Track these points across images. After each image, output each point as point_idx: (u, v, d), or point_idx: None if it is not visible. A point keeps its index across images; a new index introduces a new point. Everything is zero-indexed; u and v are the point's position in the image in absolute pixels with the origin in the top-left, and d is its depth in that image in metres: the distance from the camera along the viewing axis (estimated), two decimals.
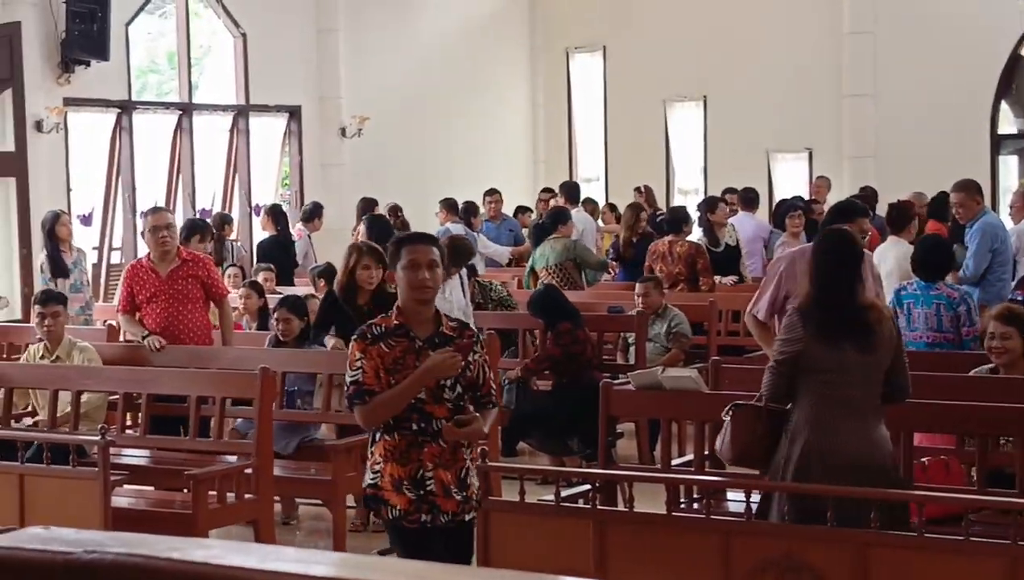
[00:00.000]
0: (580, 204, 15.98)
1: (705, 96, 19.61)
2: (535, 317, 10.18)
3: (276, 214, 14.17)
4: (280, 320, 8.89)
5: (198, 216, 15.46)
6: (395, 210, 13.90)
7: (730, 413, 5.72)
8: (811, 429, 5.49)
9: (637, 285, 10.86)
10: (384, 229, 10.84)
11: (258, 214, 17.17)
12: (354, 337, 5.18)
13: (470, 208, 14.99)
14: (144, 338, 8.76)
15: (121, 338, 10.48)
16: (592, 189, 20.77)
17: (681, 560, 5.58)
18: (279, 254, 13.45)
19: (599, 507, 5.87)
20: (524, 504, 5.95)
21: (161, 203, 15.91)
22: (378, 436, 5.15)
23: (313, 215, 14.82)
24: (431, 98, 19.04)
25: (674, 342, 10.53)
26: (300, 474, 8.14)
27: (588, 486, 6.11)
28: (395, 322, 5.14)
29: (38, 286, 11.36)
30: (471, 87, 19.77)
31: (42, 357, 8.48)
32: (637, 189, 17.47)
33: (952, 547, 5.29)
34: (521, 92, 21.04)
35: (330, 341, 8.58)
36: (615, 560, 5.66)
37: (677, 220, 12.64)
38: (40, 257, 11.59)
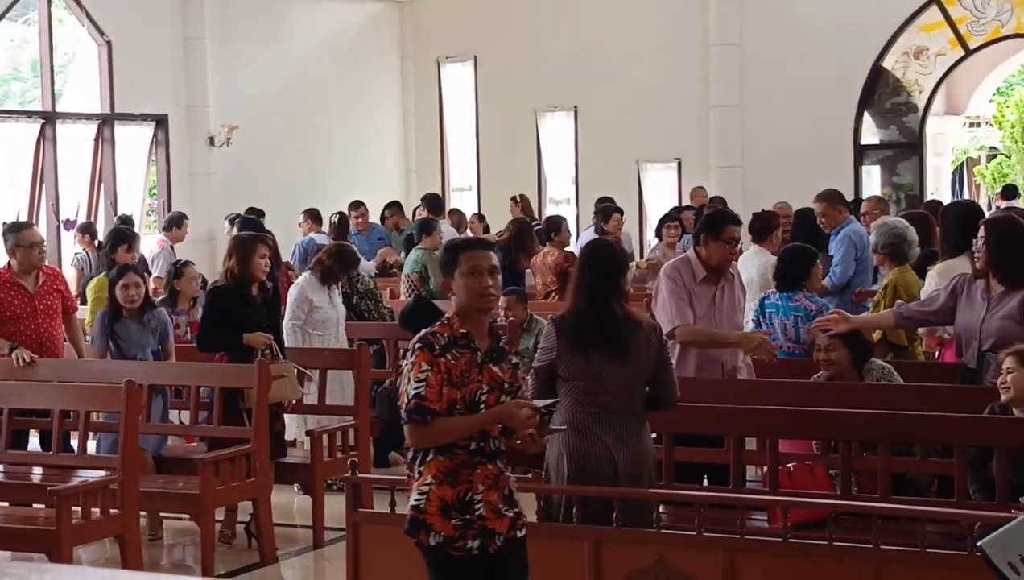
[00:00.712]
0: (445, 215, 16.03)
1: (576, 106, 19.72)
2: (405, 329, 10.15)
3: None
4: (130, 285, 8.69)
5: (62, 224, 15.18)
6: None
7: None
8: (568, 433, 5.70)
9: (501, 298, 10.90)
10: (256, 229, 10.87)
11: (127, 224, 16.90)
12: (418, 345, 4.74)
13: (344, 221, 14.82)
14: (11, 351, 8.58)
15: None
16: (464, 198, 20.78)
17: (553, 568, 5.59)
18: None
19: None
20: (395, 516, 5.91)
21: (24, 214, 15.60)
22: (430, 455, 4.74)
23: (174, 224, 14.64)
24: (301, 107, 18.91)
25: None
26: (167, 488, 8.01)
27: None
28: (460, 331, 4.78)
29: None
30: (342, 96, 19.67)
31: None
32: (513, 199, 17.50)
33: (817, 551, 5.38)
34: (392, 101, 20.98)
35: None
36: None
37: (548, 229, 12.75)
38: None
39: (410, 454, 4.83)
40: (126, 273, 8.85)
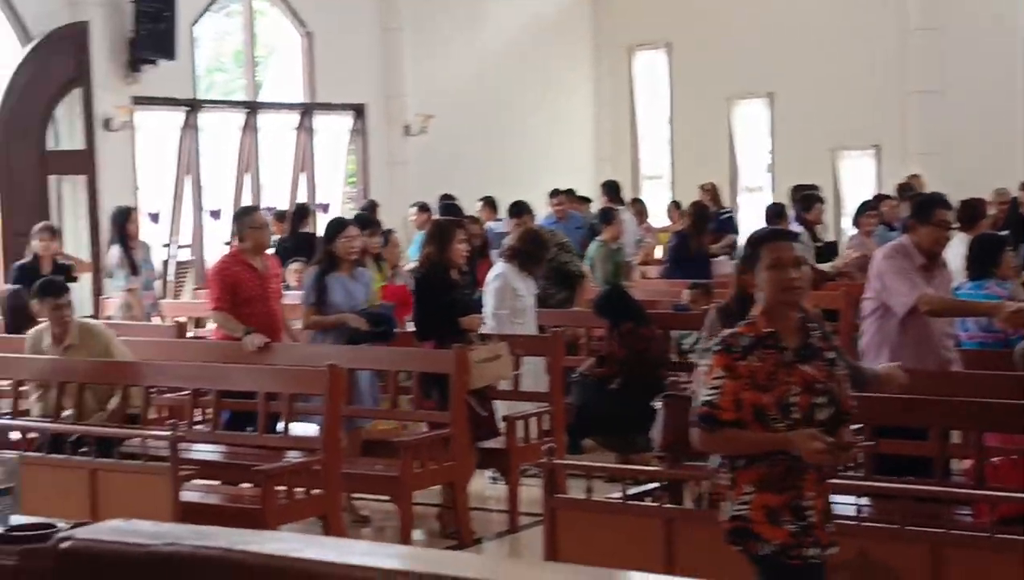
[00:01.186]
0: (626, 204, 15.95)
1: (771, 93, 19.50)
2: (599, 317, 10.18)
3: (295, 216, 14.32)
4: (352, 237, 8.84)
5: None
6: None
7: (662, 403, 6.04)
8: None
9: (684, 292, 10.95)
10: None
11: (325, 212, 17.28)
12: (716, 348, 4.53)
13: (520, 207, 14.78)
14: (245, 335, 8.66)
15: (189, 334, 10.61)
16: (656, 187, 20.73)
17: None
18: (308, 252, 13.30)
19: (667, 506, 5.85)
20: (591, 502, 5.94)
21: (228, 202, 16.08)
22: (743, 463, 4.51)
23: (369, 212, 14.88)
24: (495, 96, 19.07)
25: None
26: (367, 470, 8.17)
27: (656, 484, 6.10)
28: (764, 330, 4.50)
29: (108, 282, 11.43)
30: (535, 85, 19.78)
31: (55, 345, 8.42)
32: (702, 187, 17.37)
33: None
34: (585, 90, 21.01)
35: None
36: (683, 558, 5.63)
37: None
38: (111, 253, 11.60)
39: (717, 460, 4.64)
40: (346, 226, 9.04)
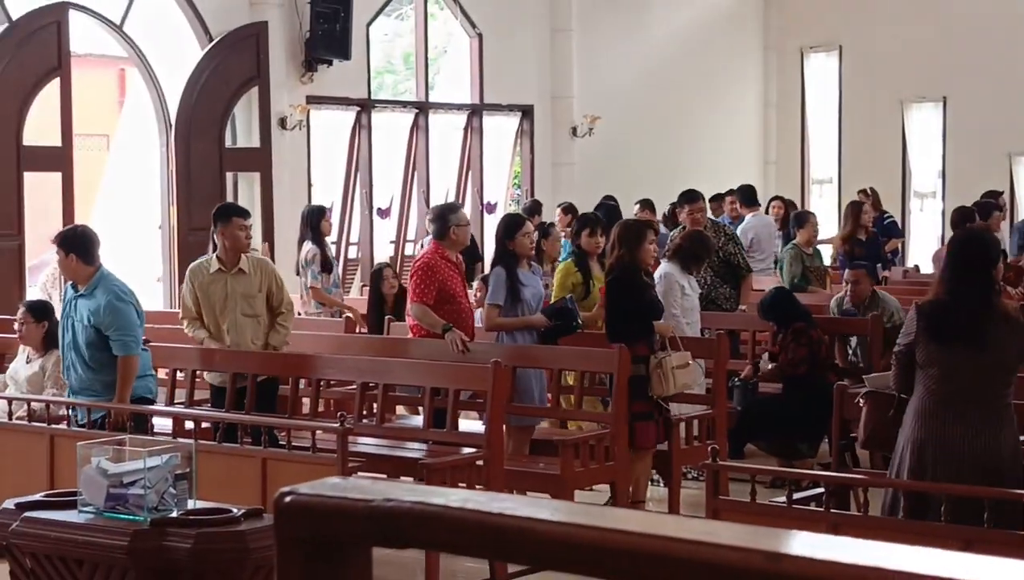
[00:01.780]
0: (760, 207, 15.61)
1: (945, 97, 19.10)
2: (765, 319, 10.10)
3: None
4: (528, 233, 8.88)
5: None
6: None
7: (864, 399, 6.11)
8: (916, 421, 5.65)
9: (847, 271, 10.72)
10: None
11: (490, 212, 17.45)
12: None
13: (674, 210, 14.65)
14: (444, 331, 8.55)
15: (358, 329, 10.80)
16: (824, 191, 20.48)
17: None
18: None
19: (832, 511, 5.79)
20: (755, 504, 5.92)
21: (396, 201, 16.31)
22: None
23: (534, 213, 14.97)
24: (662, 98, 19.02)
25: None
26: (529, 467, 8.24)
27: (821, 489, 6.04)
28: None
29: (293, 280, 11.57)
30: (703, 87, 19.68)
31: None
32: (862, 191, 17.02)
33: None
34: (753, 92, 20.85)
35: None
36: None
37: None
38: (306, 249, 11.69)
39: None
40: (524, 223, 9.07)
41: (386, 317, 10.50)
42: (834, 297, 10.86)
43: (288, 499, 1.39)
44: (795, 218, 13.28)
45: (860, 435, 6.34)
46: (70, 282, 8.14)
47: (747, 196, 14.47)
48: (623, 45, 18.74)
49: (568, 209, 14.35)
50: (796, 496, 5.92)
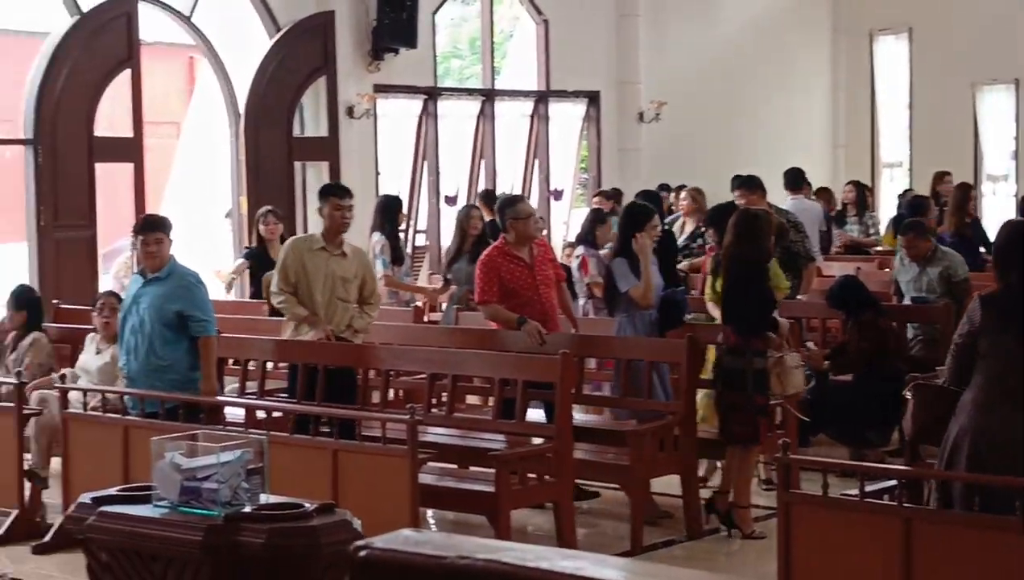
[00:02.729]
0: (807, 191, 15.29)
1: (1017, 79, 18.84)
2: (833, 307, 10.03)
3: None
4: (656, 225, 8.91)
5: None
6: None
7: (911, 392, 6.04)
8: (970, 410, 5.62)
9: (900, 237, 10.69)
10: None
11: (557, 199, 17.43)
12: None
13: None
14: (519, 324, 8.60)
15: (426, 318, 10.83)
16: (895, 175, 20.29)
17: (992, 562, 5.41)
18: None
19: (905, 504, 5.74)
20: (827, 498, 5.87)
21: (463, 189, 16.33)
22: None
23: (608, 199, 14.93)
24: (729, 82, 18.90)
25: (953, 289, 10.15)
26: (599, 458, 8.24)
27: (893, 482, 5.98)
28: None
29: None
30: (771, 71, 19.53)
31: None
32: (940, 174, 16.67)
33: None
34: (822, 76, 20.66)
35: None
36: (922, 559, 5.52)
37: None
38: (375, 240, 11.69)
39: None
40: (653, 214, 9.02)
41: (464, 256, 10.76)
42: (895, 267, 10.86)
43: (363, 554, 1.40)
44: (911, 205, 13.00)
45: (909, 430, 6.26)
46: (138, 270, 8.26)
47: (791, 180, 14.15)
48: (690, 29, 18.63)
49: (610, 195, 14.30)
50: (868, 488, 5.87)
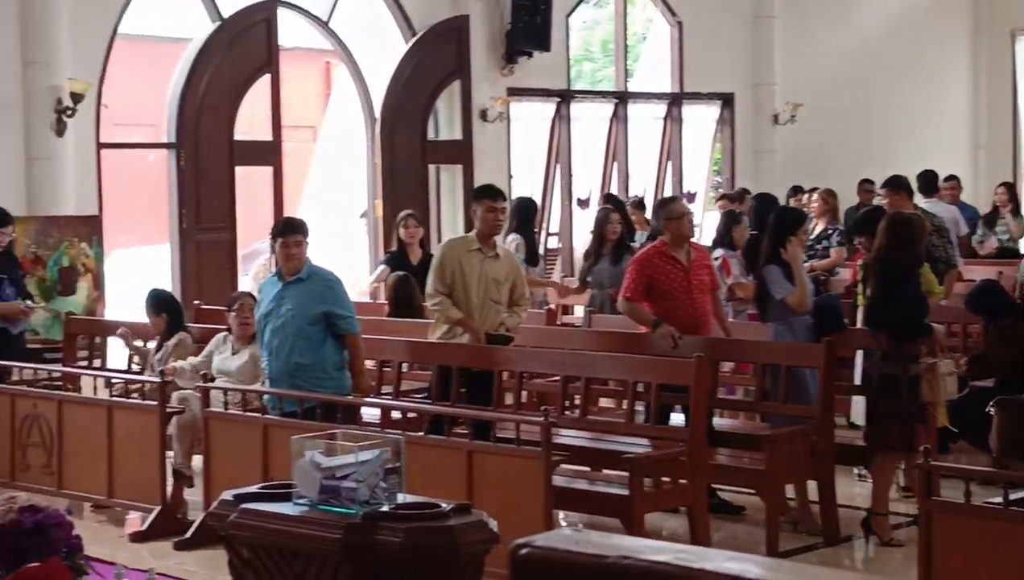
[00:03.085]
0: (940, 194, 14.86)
1: None
2: (973, 313, 9.83)
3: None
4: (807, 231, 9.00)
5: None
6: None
7: (995, 408, 5.66)
8: None
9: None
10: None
11: (690, 201, 17.32)
12: None
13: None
14: (655, 327, 8.55)
15: (559, 321, 10.85)
16: None
17: None
18: None
19: None
20: (970, 506, 5.76)
21: (596, 192, 16.32)
22: None
23: (736, 201, 14.80)
24: (867, 83, 18.64)
25: None
26: (734, 462, 8.18)
27: None
28: None
29: None
30: (909, 72, 19.22)
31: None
32: None
33: None
34: (962, 77, 20.27)
35: None
36: None
37: None
38: (511, 239, 11.67)
39: None
40: (805, 219, 8.93)
41: (603, 258, 10.87)
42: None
43: (524, 552, 1.41)
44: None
45: (994, 446, 6.04)
46: (274, 272, 8.38)
47: (924, 183, 13.80)
48: (827, 30, 18.42)
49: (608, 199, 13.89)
50: (1012, 497, 5.75)
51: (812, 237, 12.10)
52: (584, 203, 16.45)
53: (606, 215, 11.26)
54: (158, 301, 9.61)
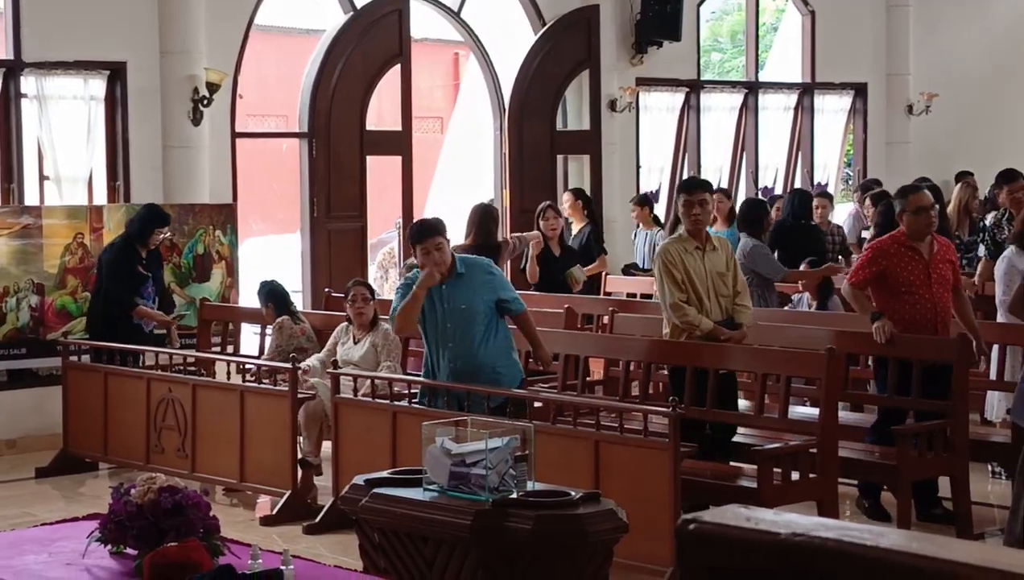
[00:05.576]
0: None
1: None
2: None
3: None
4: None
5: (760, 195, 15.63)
6: None
7: None
8: None
9: None
10: None
11: (821, 193, 17.10)
12: None
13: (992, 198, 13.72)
14: (873, 320, 8.20)
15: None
16: None
17: None
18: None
19: None
20: None
21: (724, 182, 16.18)
22: None
23: (866, 190, 14.59)
24: (1004, 73, 18.25)
25: None
26: (864, 456, 8.08)
27: None
28: None
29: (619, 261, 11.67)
30: None
31: None
32: None
33: None
34: None
35: None
36: None
37: None
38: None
39: None
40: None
41: None
42: None
43: (692, 527, 1.40)
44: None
45: None
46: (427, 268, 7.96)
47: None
48: (963, 19, 18.06)
49: (578, 194, 13.30)
50: None
51: None
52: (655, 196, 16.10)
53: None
54: (271, 293, 10.04)
